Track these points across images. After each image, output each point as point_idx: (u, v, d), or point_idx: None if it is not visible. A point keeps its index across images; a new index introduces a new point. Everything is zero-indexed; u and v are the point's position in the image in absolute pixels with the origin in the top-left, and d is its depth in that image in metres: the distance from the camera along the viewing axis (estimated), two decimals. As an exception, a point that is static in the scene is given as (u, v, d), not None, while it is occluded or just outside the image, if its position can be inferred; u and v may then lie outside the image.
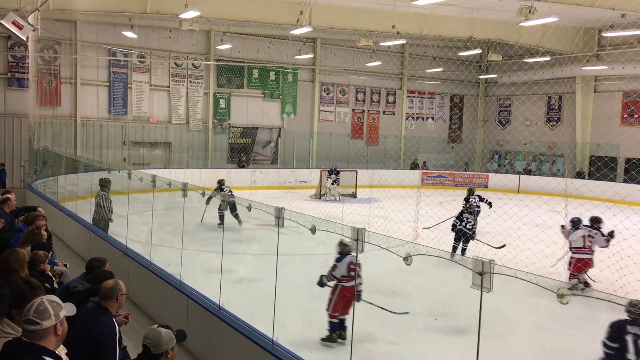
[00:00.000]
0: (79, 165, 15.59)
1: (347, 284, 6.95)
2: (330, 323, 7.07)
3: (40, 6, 14.56)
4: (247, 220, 13.73)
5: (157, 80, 25.06)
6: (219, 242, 8.72)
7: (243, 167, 25.97)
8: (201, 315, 6.35)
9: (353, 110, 30.18)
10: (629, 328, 4.69)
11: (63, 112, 23.17)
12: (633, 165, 25.33)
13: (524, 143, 29.86)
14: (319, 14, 20.96)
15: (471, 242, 12.42)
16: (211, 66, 25.99)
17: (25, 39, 14.04)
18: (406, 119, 31.53)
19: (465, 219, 12.41)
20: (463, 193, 23.70)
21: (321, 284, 7.19)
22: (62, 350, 3.37)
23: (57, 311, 3.12)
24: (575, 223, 10.22)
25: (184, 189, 7.59)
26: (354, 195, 22.96)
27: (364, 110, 30.49)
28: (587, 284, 9.72)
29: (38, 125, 20.46)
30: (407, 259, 4.16)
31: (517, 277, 3.46)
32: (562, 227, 10.55)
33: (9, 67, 21.99)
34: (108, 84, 24.08)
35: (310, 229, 4.94)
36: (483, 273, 3.55)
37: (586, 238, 9.79)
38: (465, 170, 30.20)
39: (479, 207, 15.08)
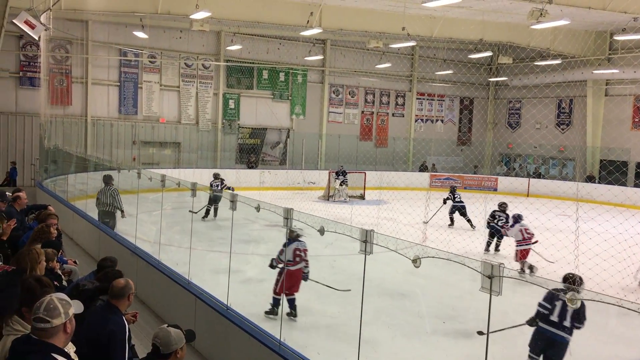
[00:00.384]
0: (89, 164, 15.68)
1: (292, 268, 7.61)
2: (274, 299, 7.76)
3: (52, 6, 14.66)
4: (255, 221, 13.75)
5: (167, 80, 25.17)
6: (227, 242, 8.74)
7: (252, 167, 26.02)
8: (209, 314, 6.36)
9: (362, 112, 30.15)
10: (561, 296, 5.67)
11: (74, 111, 23.33)
12: (644, 169, 25.13)
13: (534, 146, 29.70)
14: (329, 16, 20.98)
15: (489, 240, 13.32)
16: (221, 67, 26.07)
17: (37, 38, 14.15)
18: (415, 121, 31.46)
19: (497, 216, 13.27)
20: (472, 196, 23.69)
21: (272, 266, 7.76)
22: (70, 348, 3.39)
23: (67, 309, 3.14)
24: (515, 219, 11.49)
25: (193, 188, 7.61)
26: (362, 197, 22.93)
27: (373, 112, 30.45)
28: (532, 267, 10.86)
29: (49, 124, 20.60)
30: (416, 261, 4.14)
31: (526, 281, 3.43)
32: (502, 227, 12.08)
33: (21, 66, 22.16)
34: (119, 83, 24.22)
35: (318, 230, 4.93)
36: (492, 276, 3.53)
37: (524, 231, 11.08)
38: (475, 173, 30.06)
39: (462, 202, 16.86)
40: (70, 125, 22.73)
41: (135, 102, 24.54)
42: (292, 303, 7.75)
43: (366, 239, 4.48)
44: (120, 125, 24.16)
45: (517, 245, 11.18)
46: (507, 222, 12.95)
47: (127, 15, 20.79)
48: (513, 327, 6.55)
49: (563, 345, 5.93)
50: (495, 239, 13.31)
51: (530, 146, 29.66)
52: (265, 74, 27.28)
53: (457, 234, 13.30)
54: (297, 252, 7.57)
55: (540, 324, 6.03)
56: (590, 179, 26.09)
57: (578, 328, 6.00)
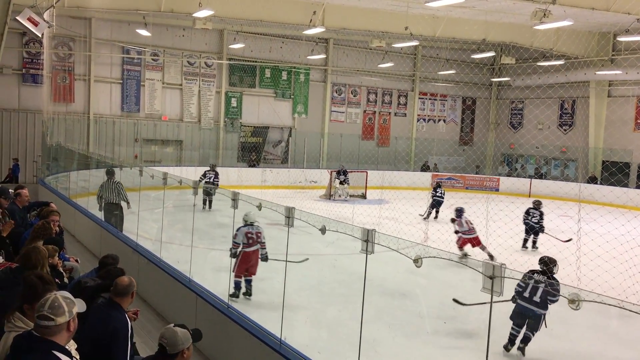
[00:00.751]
0: (91, 162, 15.70)
1: (248, 249, 8.21)
2: (235, 282, 8.20)
3: (55, 3, 14.68)
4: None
5: (170, 78, 25.18)
6: (228, 240, 8.74)
7: (254, 166, 26.02)
8: (210, 313, 6.36)
9: (364, 111, 30.14)
10: (535, 276, 7.04)
11: (76, 108, 23.35)
12: (647, 171, 25.08)
13: (536, 147, 29.65)
14: (332, 15, 20.97)
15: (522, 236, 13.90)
16: (224, 65, 26.07)
17: (40, 36, 14.18)
18: (417, 120, 31.44)
19: (531, 213, 13.96)
20: (474, 196, 23.69)
21: (231, 254, 8.27)
22: (72, 346, 3.39)
23: (71, 307, 3.14)
24: (459, 212, 12.72)
25: (195, 187, 7.62)
26: (364, 196, 22.92)
27: (375, 112, 30.43)
28: (466, 255, 11.90)
29: (51, 121, 20.63)
30: (417, 261, 4.14)
31: (527, 282, 3.43)
32: (452, 220, 12.84)
33: (24, 63, 22.18)
34: (121, 81, 24.23)
35: (320, 229, 4.93)
36: (494, 277, 3.53)
37: (468, 222, 12.46)
38: (476, 173, 30.03)
39: (442, 197, 18.13)
40: (73, 123, 22.75)
41: (137, 100, 24.56)
42: (249, 283, 8.37)
43: (367, 239, 4.48)
44: (123, 123, 24.18)
45: (462, 234, 12.42)
46: (541, 219, 13.83)
47: (130, 13, 20.78)
48: (484, 303, 6.53)
49: (537, 317, 6.96)
50: (532, 236, 13.95)
51: (533, 147, 29.62)
52: (267, 73, 27.27)
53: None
54: (249, 235, 8.20)
55: (518, 300, 7.06)
56: (592, 180, 26.05)
57: (552, 302, 6.88)
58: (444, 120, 32.51)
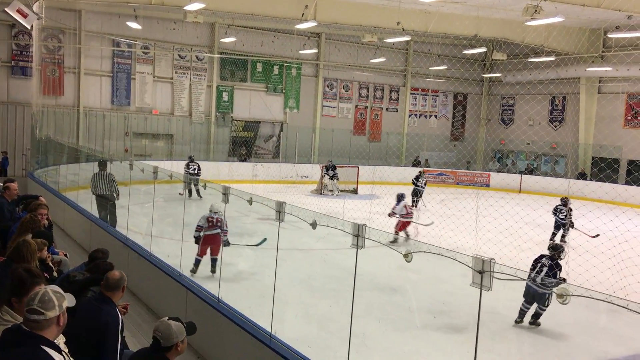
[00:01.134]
0: (81, 155, 15.60)
1: (207, 232, 9.23)
2: (196, 260, 9.23)
3: (45, -5, 14.53)
4: (247, 214, 13.74)
5: (161, 71, 25.04)
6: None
7: (244, 160, 25.97)
8: (200, 307, 6.36)
9: (356, 106, 30.14)
10: (544, 260, 8.33)
11: (66, 101, 23.17)
12: (636, 167, 25.28)
13: (527, 143, 29.80)
14: (324, 9, 20.91)
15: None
16: (215, 59, 25.96)
17: (29, 28, 14.06)
18: (409, 116, 31.50)
19: (559, 209, 14.50)
20: (464, 191, 23.76)
21: (195, 240, 9.23)
22: (60, 339, 3.37)
23: (61, 302, 3.13)
24: (399, 197, 13.83)
25: (186, 181, 7.59)
26: (355, 192, 22.96)
27: (366, 107, 30.45)
28: (408, 235, 13.37)
29: (41, 114, 20.45)
30: (407, 256, 4.15)
31: (516, 277, 3.45)
32: (389, 215, 13.83)
33: (13, 55, 21.96)
34: (111, 74, 24.06)
35: (311, 224, 4.93)
36: (483, 272, 3.54)
37: (407, 207, 13.72)
38: (467, 169, 30.16)
39: (423, 188, 19.54)
40: (62, 116, 22.57)
41: (128, 93, 24.40)
42: (214, 262, 9.35)
43: (358, 233, 4.49)
44: (113, 117, 24.03)
45: (401, 218, 13.53)
46: (569, 215, 14.13)
47: (121, 5, 20.63)
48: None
49: (543, 295, 7.84)
50: (561, 230, 14.32)
51: (523, 142, 29.76)
52: (259, 67, 27.18)
53: (449, 229, 13.34)
54: (210, 220, 9.26)
55: (527, 280, 7.85)
56: (581, 175, 26.24)
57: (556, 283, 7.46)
58: (435, 116, 32.58)
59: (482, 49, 25.82)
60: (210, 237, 9.28)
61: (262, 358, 5.20)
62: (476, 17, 21.45)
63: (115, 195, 11.78)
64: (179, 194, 15.56)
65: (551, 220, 14.98)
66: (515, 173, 28.70)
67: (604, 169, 23.35)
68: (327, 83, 29.13)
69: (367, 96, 30.42)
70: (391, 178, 24.38)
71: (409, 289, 9.82)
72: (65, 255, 7.30)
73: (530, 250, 11.69)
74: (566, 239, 14.02)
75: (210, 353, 6.19)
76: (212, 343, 6.16)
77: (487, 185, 27.61)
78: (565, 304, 3.39)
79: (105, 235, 9.70)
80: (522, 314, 8.15)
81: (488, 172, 28.93)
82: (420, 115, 32.04)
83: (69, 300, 3.25)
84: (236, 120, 26.96)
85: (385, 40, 25.35)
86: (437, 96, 32.47)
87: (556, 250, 8.34)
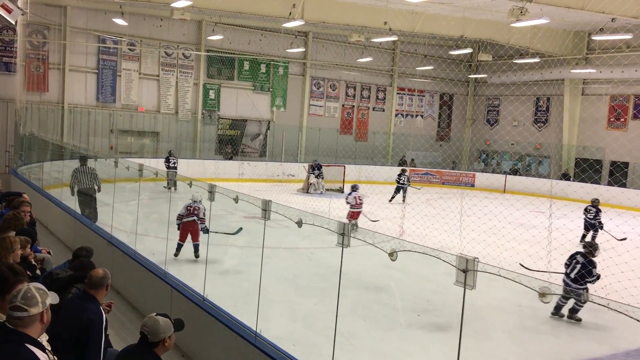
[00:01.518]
0: (65, 152, 15.46)
1: (185, 220, 10.15)
2: (177, 244, 10.24)
3: (29, -10, 14.37)
4: (233, 213, 13.72)
5: (147, 69, 24.87)
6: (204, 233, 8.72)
7: (230, 159, 25.90)
8: (185, 305, 6.34)
9: (343, 106, 30.18)
10: (578, 257, 8.67)
11: (50, 98, 22.93)
12: (618, 168, 25.61)
13: (511, 143, 30.07)
14: (312, 8, 20.90)
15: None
16: (202, 57, 25.84)
17: (13, 23, 13.89)
18: (395, 115, 31.60)
19: (588, 210, 14.80)
20: (449, 191, 23.89)
21: (178, 225, 10.16)
22: (43, 337, 3.36)
23: (44, 298, 3.12)
24: (353, 188, 14.51)
25: (171, 178, 7.56)
26: (341, 190, 23.00)
27: (353, 106, 30.50)
28: (356, 225, 13.60)
29: (25, 110, 20.24)
30: (392, 254, 4.18)
31: (500, 276, 3.49)
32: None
33: (-4, 50, 21.70)
34: (97, 71, 23.85)
35: (297, 223, 4.95)
36: (467, 270, 3.58)
37: (357, 198, 14.23)
38: (453, 169, 30.35)
39: (408, 184, 20.70)
40: (47, 112, 22.34)
41: (113, 90, 24.21)
42: (196, 248, 10.27)
43: (344, 232, 4.51)
44: (98, 114, 23.82)
45: (351, 208, 14.18)
46: (597, 216, 14.54)
47: (107, 1, 20.49)
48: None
49: (577, 292, 7.93)
50: (591, 232, 14.63)
51: (508, 143, 30.03)
52: (246, 65, 27.12)
53: (434, 228, 13.43)
54: (189, 208, 10.13)
55: (563, 276, 8.66)
56: (564, 176, 26.54)
57: (591, 282, 8.45)
58: (422, 116, 32.73)
59: (468, 50, 26.00)
60: (188, 223, 10.18)
61: (247, 356, 5.21)
62: (462, 18, 21.59)
63: (96, 188, 11.81)
64: (164, 187, 15.50)
65: (534, 219, 15.14)
66: (500, 173, 28.95)
67: (586, 169, 23.63)
68: (314, 82, 29.13)
69: (354, 95, 30.47)
70: (377, 177, 24.48)
71: (393, 287, 9.88)
72: (49, 252, 7.24)
73: (513, 249, 11.82)
74: (596, 239, 14.16)
75: (195, 351, 6.18)
76: (197, 341, 6.15)
77: (472, 185, 27.83)
78: (547, 303, 3.44)
79: (89, 233, 9.63)
80: (557, 307, 8.55)
81: (473, 172, 29.15)
82: (407, 115, 32.18)
83: (52, 298, 3.24)
84: (223, 118, 26.87)
85: (372, 40, 25.43)
86: (424, 96, 32.62)
87: (591, 248, 8.67)
